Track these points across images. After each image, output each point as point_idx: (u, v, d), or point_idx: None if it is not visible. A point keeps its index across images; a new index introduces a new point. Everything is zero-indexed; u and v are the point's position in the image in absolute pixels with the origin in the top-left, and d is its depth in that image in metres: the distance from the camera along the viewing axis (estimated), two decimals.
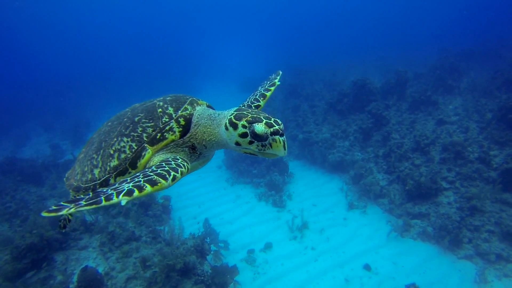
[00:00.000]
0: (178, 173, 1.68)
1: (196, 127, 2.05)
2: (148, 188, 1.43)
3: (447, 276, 5.90)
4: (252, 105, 2.50)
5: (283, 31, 47.02)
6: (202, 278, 5.45)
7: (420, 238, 6.90)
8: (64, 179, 2.80)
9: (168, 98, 2.17)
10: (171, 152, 2.03)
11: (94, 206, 1.27)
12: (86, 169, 2.28)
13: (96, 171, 2.17)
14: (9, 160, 12.17)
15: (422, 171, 7.91)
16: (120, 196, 1.32)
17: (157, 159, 1.98)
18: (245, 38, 50.20)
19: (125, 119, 2.18)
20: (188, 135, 2.05)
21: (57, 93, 26.66)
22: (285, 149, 1.74)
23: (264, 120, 1.75)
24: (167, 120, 2.03)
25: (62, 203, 1.32)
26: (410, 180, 7.75)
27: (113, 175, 2.06)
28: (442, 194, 7.46)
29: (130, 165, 2.02)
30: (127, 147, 2.05)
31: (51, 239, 6.48)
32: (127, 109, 2.40)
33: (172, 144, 2.03)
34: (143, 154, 1.99)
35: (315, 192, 9.31)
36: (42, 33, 46.83)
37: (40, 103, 24.12)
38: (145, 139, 2.01)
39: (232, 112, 1.88)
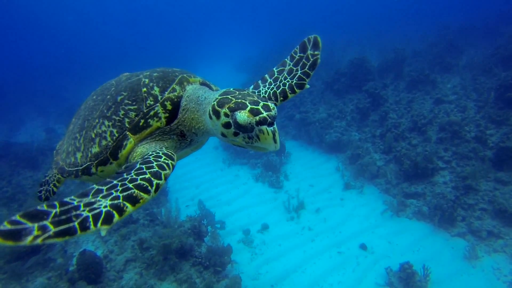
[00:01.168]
0: (161, 179, 1.43)
1: (184, 113, 1.81)
2: (129, 209, 1.21)
3: (440, 253, 6.03)
4: (294, 85, 2.14)
5: (279, 8, 45.70)
6: (200, 260, 5.54)
7: (416, 217, 6.99)
8: (54, 151, 2.67)
9: (155, 74, 1.91)
10: (157, 140, 1.81)
11: (66, 237, 1.02)
12: (70, 149, 2.14)
13: (78, 155, 2.02)
14: (3, 144, 12.05)
15: (419, 151, 7.91)
16: (98, 225, 1.09)
17: (140, 150, 1.77)
18: (241, 16, 48.87)
19: (108, 97, 1.96)
20: (175, 121, 1.81)
21: (50, 76, 26.10)
22: (275, 142, 1.47)
23: (249, 107, 1.47)
24: (151, 103, 1.79)
25: (20, 218, 1.01)
26: (406, 160, 7.76)
27: (94, 164, 1.90)
28: (438, 173, 7.50)
29: (111, 155, 1.83)
30: (108, 133, 1.85)
31: None
32: (112, 81, 2.19)
33: (157, 131, 1.80)
34: (124, 144, 1.78)
35: (312, 172, 9.34)
36: (36, 15, 45.26)
37: (34, 86, 23.67)
38: (127, 125, 1.79)
39: (216, 97, 1.61)
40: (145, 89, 1.84)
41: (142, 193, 1.29)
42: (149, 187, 1.34)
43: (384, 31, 20.81)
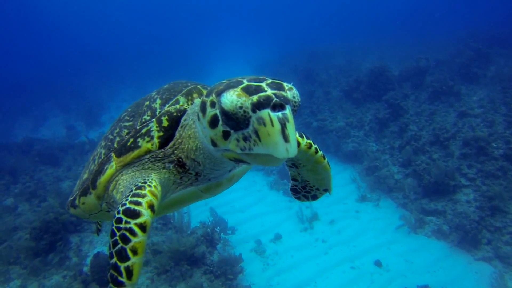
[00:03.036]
0: (128, 258, 1.07)
1: (182, 130, 1.34)
2: None
3: (462, 277, 5.75)
4: None
5: (298, 13, 45.53)
6: (212, 268, 5.50)
7: (435, 235, 6.72)
8: None
9: (166, 86, 1.56)
10: (146, 169, 1.37)
11: None
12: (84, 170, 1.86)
13: (81, 180, 1.74)
14: (27, 140, 12.56)
15: (440, 166, 7.61)
16: None
17: (124, 179, 1.39)
18: (259, 19, 48.97)
19: (124, 113, 1.65)
20: (171, 143, 1.34)
21: (72, 74, 26.94)
22: (286, 139, 0.88)
23: (245, 83, 0.96)
24: (148, 118, 1.40)
25: None
26: (426, 175, 7.49)
27: (78, 194, 1.59)
28: (461, 191, 7.19)
29: (91, 182, 1.48)
30: (98, 154, 1.55)
31: (66, 222, 6.67)
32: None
33: (147, 156, 1.36)
34: (105, 168, 1.41)
35: None
36: (60, 14, 46.99)
37: (56, 84, 24.47)
38: (115, 145, 1.45)
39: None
40: (147, 102, 1.50)
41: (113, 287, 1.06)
42: (120, 278, 1.06)
43: (406, 39, 20.32)
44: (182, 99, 1.41)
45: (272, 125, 0.88)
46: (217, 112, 0.99)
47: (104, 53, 34.73)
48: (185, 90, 1.45)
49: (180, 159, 1.34)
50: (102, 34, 44.80)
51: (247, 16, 53.08)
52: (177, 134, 1.34)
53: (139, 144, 1.35)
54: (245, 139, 0.95)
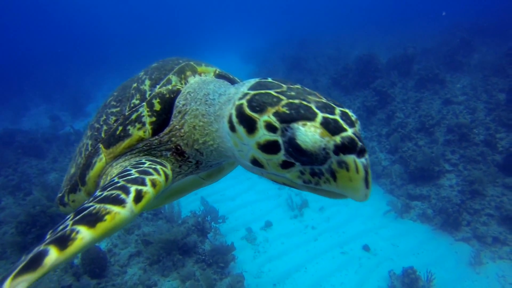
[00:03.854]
0: (146, 185, 0.96)
1: (180, 117, 1.20)
2: (79, 242, 0.77)
3: (444, 257, 6.01)
4: None
5: (287, 1, 44.94)
6: (203, 257, 5.56)
7: (420, 219, 6.96)
8: None
9: (154, 65, 1.40)
10: (142, 157, 1.25)
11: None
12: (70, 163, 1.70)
13: (68, 174, 1.59)
14: (9, 131, 12.12)
15: (426, 152, 7.81)
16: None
17: (116, 171, 1.22)
18: (248, 7, 48.14)
19: (110, 98, 1.48)
20: (166, 130, 1.21)
21: (54, 62, 26.02)
22: (367, 185, 0.83)
23: (319, 115, 0.85)
24: (136, 102, 1.26)
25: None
26: (412, 162, 7.69)
27: (66, 191, 1.47)
28: (444, 176, 7.43)
29: (80, 177, 1.35)
30: (84, 146, 1.40)
31: (53, 215, 6.56)
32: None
33: (140, 145, 1.23)
34: (93, 161, 1.28)
35: None
36: (41, 2, 44.92)
37: (39, 72, 23.62)
38: (102, 135, 1.30)
39: (246, 92, 0.97)
40: (135, 84, 1.34)
41: (112, 207, 0.83)
42: (123, 196, 0.88)
43: (393, 28, 20.42)
44: (174, 78, 1.26)
45: (357, 172, 0.82)
46: (281, 140, 0.87)
47: (88, 40, 33.59)
48: (176, 68, 1.30)
49: (179, 147, 1.22)
50: (86, 19, 43.18)
51: (236, 4, 52.07)
52: (173, 120, 1.21)
53: (130, 132, 1.21)
54: (314, 174, 0.87)
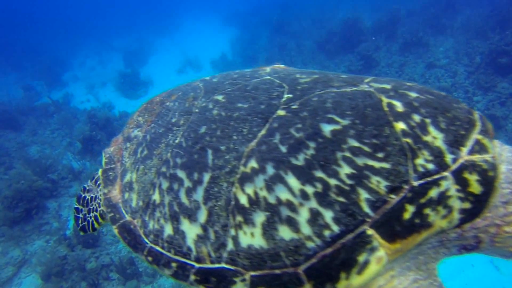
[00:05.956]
0: None
1: (504, 200, 0.87)
2: None
3: None
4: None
5: None
6: None
7: None
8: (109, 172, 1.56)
9: (419, 97, 1.05)
10: (426, 260, 0.89)
11: None
12: (141, 202, 1.25)
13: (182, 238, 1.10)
14: None
15: None
16: None
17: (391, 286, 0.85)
18: None
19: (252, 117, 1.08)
20: (476, 219, 0.86)
21: (21, 26, 24.07)
22: None
23: None
24: (429, 167, 0.86)
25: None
26: None
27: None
28: None
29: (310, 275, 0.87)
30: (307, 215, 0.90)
31: (40, 188, 6.51)
32: (234, 75, 1.25)
33: (434, 240, 0.88)
34: (357, 258, 0.82)
35: None
36: None
37: (2, 36, 21.88)
38: (365, 210, 0.84)
39: None
40: (403, 125, 0.92)
41: None
42: None
43: None
44: (487, 144, 0.91)
45: None
46: None
47: (59, 3, 30.96)
48: (476, 121, 0.93)
49: (475, 244, 0.86)
50: None
51: None
52: (488, 208, 0.84)
53: (430, 219, 0.82)
54: None
